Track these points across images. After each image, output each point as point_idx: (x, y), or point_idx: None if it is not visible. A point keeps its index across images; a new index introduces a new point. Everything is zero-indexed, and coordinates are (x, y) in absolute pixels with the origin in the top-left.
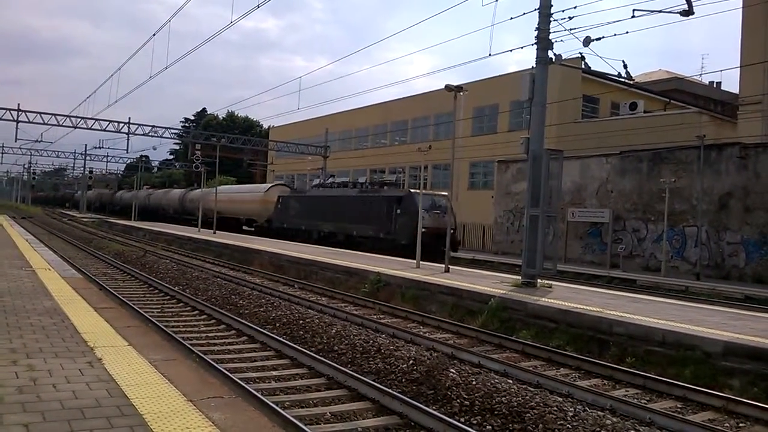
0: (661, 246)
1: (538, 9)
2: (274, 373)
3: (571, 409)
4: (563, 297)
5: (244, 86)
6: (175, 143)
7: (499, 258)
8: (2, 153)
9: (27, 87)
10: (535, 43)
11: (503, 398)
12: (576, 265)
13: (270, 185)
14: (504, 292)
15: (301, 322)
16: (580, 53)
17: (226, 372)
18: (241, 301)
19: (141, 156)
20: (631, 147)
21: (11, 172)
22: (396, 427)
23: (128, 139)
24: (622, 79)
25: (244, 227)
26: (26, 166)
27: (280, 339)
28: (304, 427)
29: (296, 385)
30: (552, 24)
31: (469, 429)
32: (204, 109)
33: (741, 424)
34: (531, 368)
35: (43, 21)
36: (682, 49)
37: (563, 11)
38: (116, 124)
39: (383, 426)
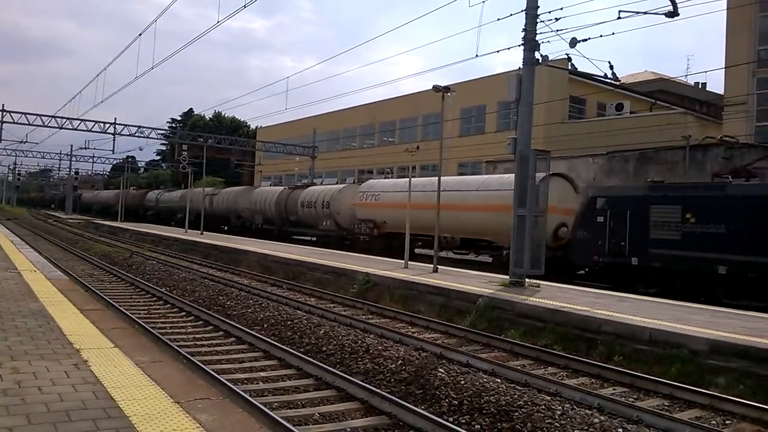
0: None
1: (525, 10)
2: (263, 374)
3: (559, 407)
4: (551, 296)
5: (231, 87)
6: (161, 144)
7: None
8: None
9: (12, 87)
10: (522, 44)
11: (492, 397)
12: None
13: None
14: (492, 291)
15: (289, 322)
16: (567, 54)
17: (214, 373)
18: (228, 302)
19: (127, 157)
20: (618, 147)
21: None
22: (385, 428)
23: (114, 140)
24: (609, 80)
25: (418, 251)
26: (11, 167)
27: (268, 340)
28: (292, 428)
29: (284, 386)
30: (539, 25)
31: (458, 428)
32: (191, 110)
33: (727, 422)
34: (519, 367)
35: (29, 20)
36: (667, 50)
37: (550, 12)
38: (102, 124)
39: (372, 426)
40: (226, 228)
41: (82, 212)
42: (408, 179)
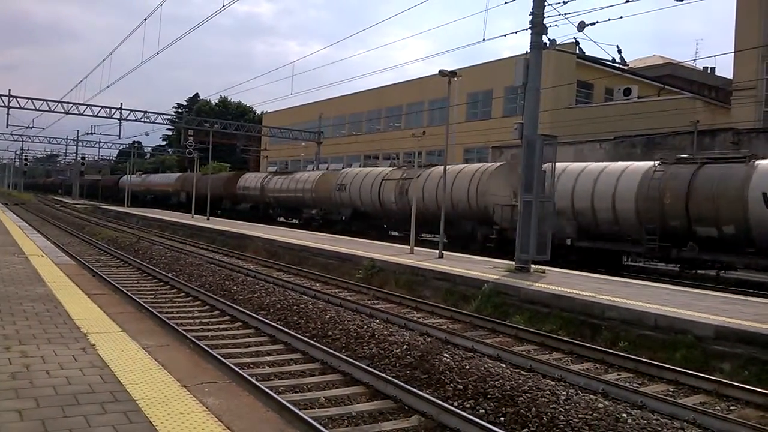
0: None
1: None
2: (269, 358)
3: (564, 392)
4: (556, 282)
5: (237, 71)
6: (167, 129)
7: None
8: None
9: (18, 72)
10: (530, 28)
11: (496, 382)
12: None
13: None
14: (497, 277)
15: (295, 307)
16: (575, 38)
17: (220, 357)
18: (235, 287)
19: (133, 142)
20: (625, 132)
21: (3, 159)
22: (390, 411)
23: (120, 125)
24: (617, 65)
25: None
26: (18, 152)
27: (274, 324)
28: (298, 411)
29: (290, 370)
30: (546, 8)
31: (463, 413)
32: (197, 95)
33: (732, 407)
34: (524, 352)
35: (36, 5)
36: (676, 34)
37: None
38: (108, 109)
39: (377, 410)
40: (446, 241)
41: (131, 204)
42: None
